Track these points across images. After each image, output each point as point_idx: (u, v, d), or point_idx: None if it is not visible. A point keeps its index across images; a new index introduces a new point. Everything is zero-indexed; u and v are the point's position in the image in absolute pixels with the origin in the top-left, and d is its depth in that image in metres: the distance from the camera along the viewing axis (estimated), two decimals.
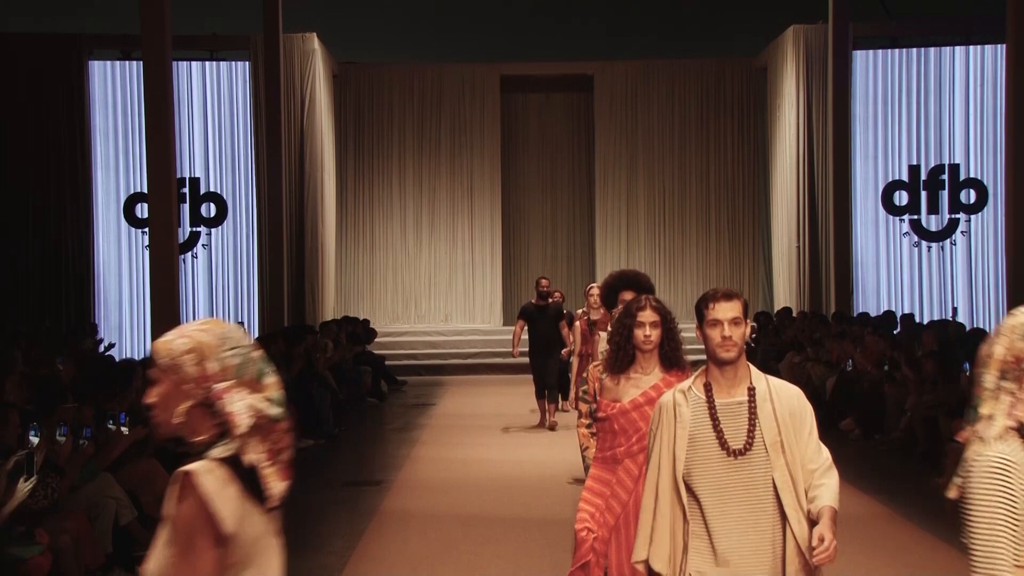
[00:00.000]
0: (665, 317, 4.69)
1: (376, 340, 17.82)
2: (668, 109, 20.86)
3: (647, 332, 4.65)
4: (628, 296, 5.76)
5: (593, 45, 21.85)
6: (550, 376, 12.80)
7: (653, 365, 4.70)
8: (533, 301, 12.93)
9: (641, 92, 20.89)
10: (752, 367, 3.61)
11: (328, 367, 14.11)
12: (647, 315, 4.68)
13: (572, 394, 8.42)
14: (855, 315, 16.53)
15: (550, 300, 12.80)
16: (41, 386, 8.49)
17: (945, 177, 18.46)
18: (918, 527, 8.07)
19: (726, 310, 3.54)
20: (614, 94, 20.86)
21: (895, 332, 14.34)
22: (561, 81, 21.41)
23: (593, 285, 9.78)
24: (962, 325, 14.77)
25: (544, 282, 12.93)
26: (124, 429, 7.82)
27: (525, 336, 13.10)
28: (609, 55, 21.31)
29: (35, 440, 6.95)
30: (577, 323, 9.74)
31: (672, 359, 4.69)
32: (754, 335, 17.75)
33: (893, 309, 17.27)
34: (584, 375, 5.80)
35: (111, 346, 15.76)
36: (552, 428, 12.74)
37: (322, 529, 8.46)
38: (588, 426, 5.52)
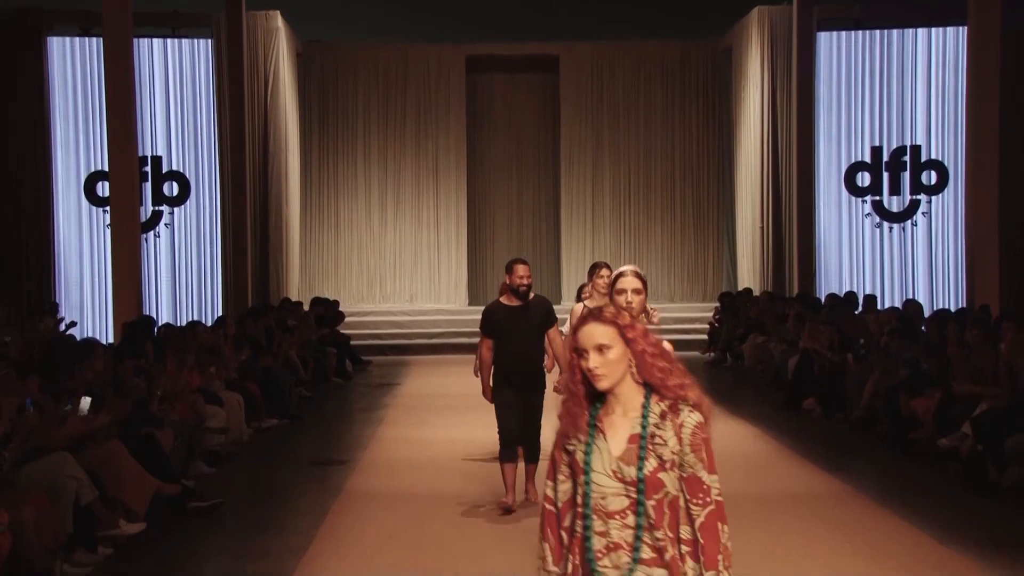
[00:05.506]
0: None
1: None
2: (634, 90, 20.87)
3: None
4: None
5: (559, 26, 21.80)
6: (531, 425, 7.92)
7: None
8: (502, 300, 8.01)
9: (607, 73, 20.88)
10: None
11: (293, 347, 14.05)
12: None
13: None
14: (810, 297, 16.55)
15: (531, 298, 7.98)
16: None
17: (907, 158, 18.61)
18: (878, 505, 8.17)
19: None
20: (580, 75, 20.84)
21: (856, 312, 14.44)
22: (527, 62, 21.34)
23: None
24: (919, 305, 14.90)
25: (522, 269, 7.89)
26: (83, 408, 7.75)
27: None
28: (575, 36, 21.27)
29: None
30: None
31: None
32: (717, 316, 17.87)
33: (855, 289, 17.42)
34: None
35: (72, 324, 15.58)
36: (531, 500, 7.94)
37: (287, 508, 8.45)
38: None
